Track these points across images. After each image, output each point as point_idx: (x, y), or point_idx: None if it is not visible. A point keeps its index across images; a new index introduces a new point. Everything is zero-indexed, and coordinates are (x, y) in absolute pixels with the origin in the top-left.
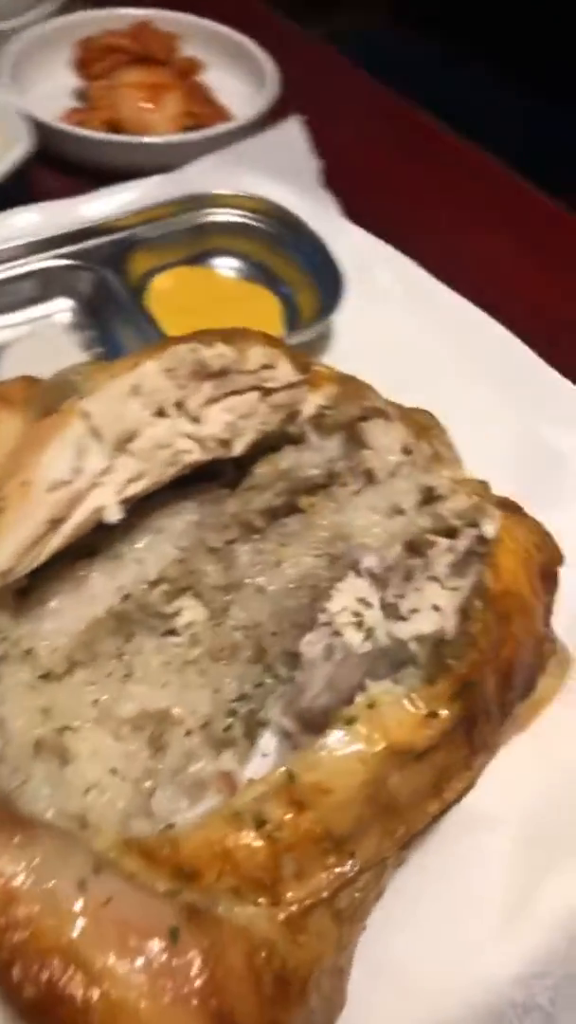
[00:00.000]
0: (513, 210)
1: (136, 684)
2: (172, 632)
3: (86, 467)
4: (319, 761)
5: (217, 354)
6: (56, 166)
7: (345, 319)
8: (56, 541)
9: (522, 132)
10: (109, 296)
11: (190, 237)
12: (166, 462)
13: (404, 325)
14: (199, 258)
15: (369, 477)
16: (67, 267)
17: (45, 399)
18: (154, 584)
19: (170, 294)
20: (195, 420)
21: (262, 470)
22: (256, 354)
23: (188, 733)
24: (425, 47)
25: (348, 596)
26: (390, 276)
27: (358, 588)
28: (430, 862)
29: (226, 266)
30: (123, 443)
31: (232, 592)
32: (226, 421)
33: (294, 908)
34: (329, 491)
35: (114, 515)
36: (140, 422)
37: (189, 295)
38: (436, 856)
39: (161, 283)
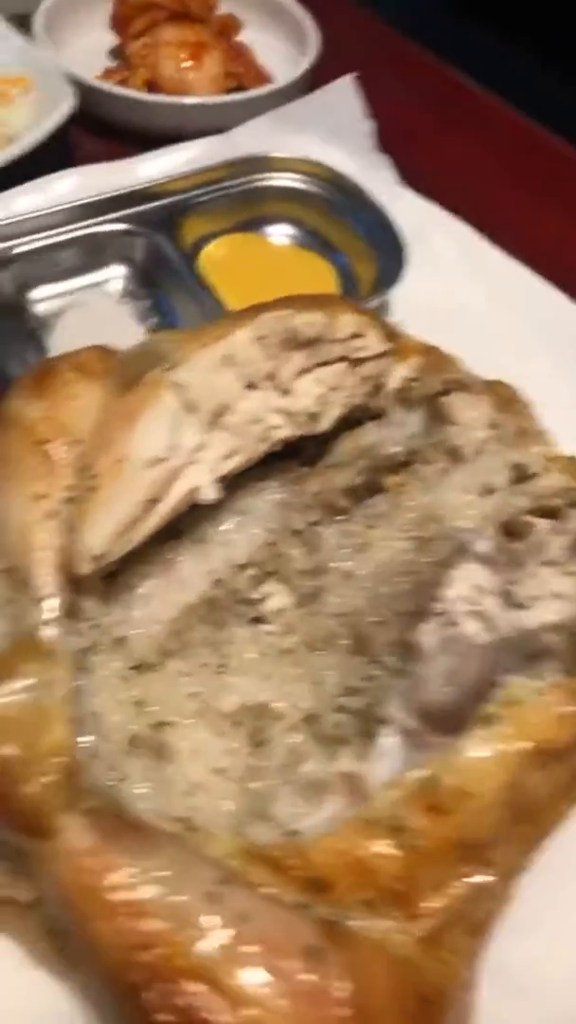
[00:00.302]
0: (557, 175)
1: (233, 676)
2: (259, 620)
3: (181, 443)
4: (459, 763)
5: (308, 322)
6: (93, 127)
7: (403, 288)
8: (152, 522)
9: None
10: (163, 263)
11: (243, 202)
12: (258, 438)
13: (463, 294)
14: (252, 224)
15: (454, 454)
16: (119, 232)
17: (127, 369)
18: (241, 568)
19: (223, 262)
20: (286, 393)
21: (343, 447)
22: (346, 322)
23: (291, 729)
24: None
25: (464, 583)
26: (447, 243)
27: (473, 574)
28: (552, 860)
29: (280, 233)
30: (216, 417)
31: (318, 577)
32: (317, 394)
33: (431, 922)
34: (414, 469)
35: (210, 495)
36: (232, 395)
37: (242, 263)
38: (558, 852)
39: (214, 251)
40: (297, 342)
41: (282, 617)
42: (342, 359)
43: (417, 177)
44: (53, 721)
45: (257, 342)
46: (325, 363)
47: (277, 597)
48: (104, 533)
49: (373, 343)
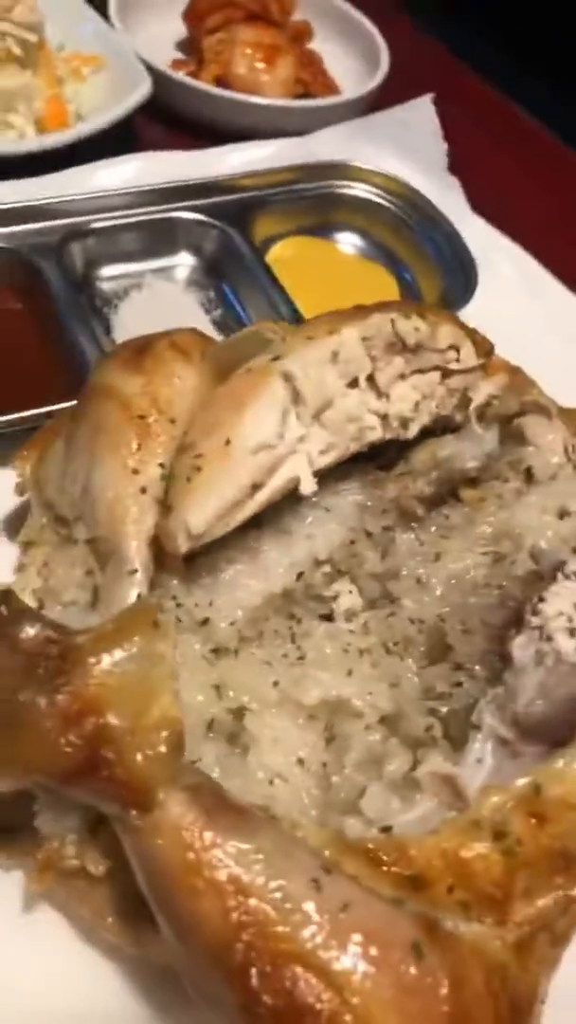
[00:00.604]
0: None
1: (313, 669)
2: (328, 617)
3: (287, 432)
4: (565, 774)
5: (414, 328)
6: (157, 115)
7: (467, 311)
8: (251, 507)
9: None
10: (233, 256)
11: (315, 206)
12: (351, 437)
13: (524, 322)
14: (321, 229)
15: (528, 475)
16: (193, 221)
17: (227, 354)
18: (318, 565)
19: (289, 262)
20: (383, 396)
21: (420, 456)
22: (446, 333)
23: (369, 727)
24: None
25: (562, 600)
26: (511, 270)
27: (571, 592)
28: None
29: (347, 242)
30: (319, 412)
31: (389, 581)
32: (413, 400)
33: (523, 930)
34: (489, 485)
35: (309, 487)
36: (335, 391)
37: (308, 266)
38: None
39: (281, 250)
40: (400, 347)
41: (353, 617)
42: (437, 368)
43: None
44: (160, 694)
45: (363, 342)
46: (421, 371)
47: (347, 597)
48: (206, 513)
49: (467, 357)
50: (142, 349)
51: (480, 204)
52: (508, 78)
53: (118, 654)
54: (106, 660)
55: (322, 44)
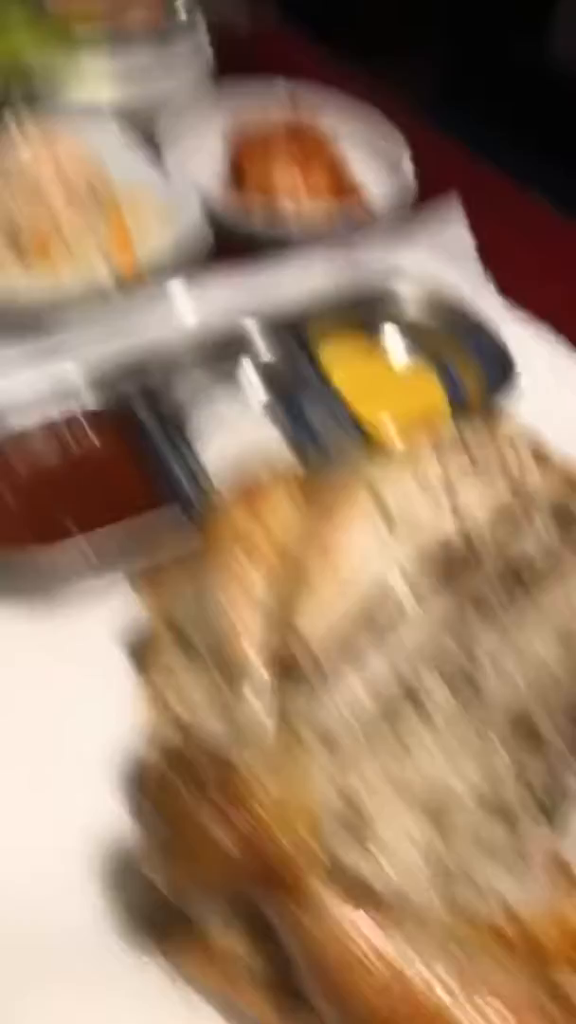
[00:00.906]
0: None
1: (416, 759)
2: (422, 710)
3: (385, 551)
4: None
5: (482, 441)
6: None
7: (510, 409)
8: (361, 622)
9: None
10: (293, 365)
11: (363, 310)
12: (435, 549)
13: (569, 416)
14: (369, 332)
15: None
16: (253, 333)
17: (320, 487)
18: (411, 663)
19: (340, 366)
20: (459, 509)
21: (489, 551)
22: (509, 442)
23: (469, 809)
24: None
25: None
26: (549, 366)
27: None
28: None
29: (394, 342)
30: (408, 528)
31: (472, 670)
32: (487, 509)
33: None
34: (552, 572)
35: (408, 600)
36: (419, 507)
37: (358, 370)
38: None
39: (333, 353)
40: (471, 460)
41: (444, 705)
42: (503, 475)
43: None
44: (308, 804)
45: (439, 460)
46: (490, 480)
47: (439, 691)
48: (321, 630)
49: (527, 461)
50: (253, 493)
51: (507, 298)
52: (521, 165)
53: (273, 777)
54: (265, 781)
55: (344, 145)
